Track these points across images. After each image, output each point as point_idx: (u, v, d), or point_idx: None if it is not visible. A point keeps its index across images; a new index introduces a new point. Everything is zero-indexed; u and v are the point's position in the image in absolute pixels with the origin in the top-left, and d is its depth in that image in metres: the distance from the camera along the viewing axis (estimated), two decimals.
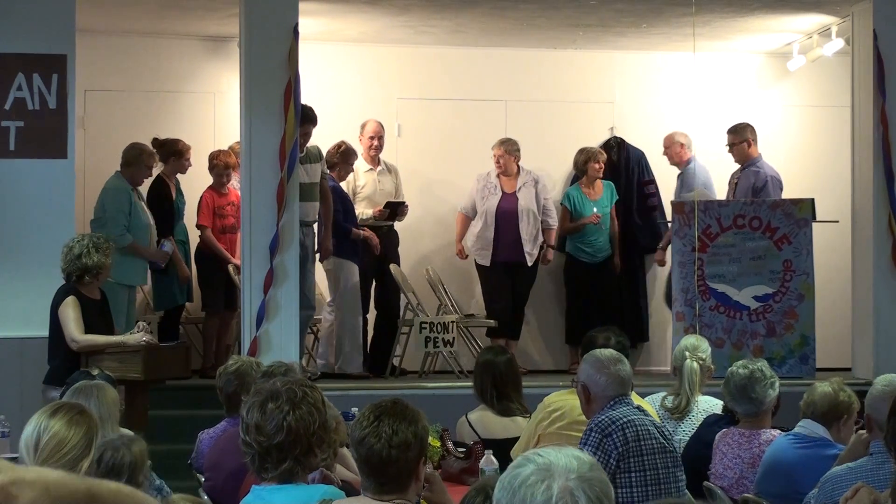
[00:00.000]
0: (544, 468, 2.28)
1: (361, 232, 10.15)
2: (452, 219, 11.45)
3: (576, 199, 10.99)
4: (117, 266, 8.30)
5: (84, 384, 5.38)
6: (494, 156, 10.71)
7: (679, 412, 6.54)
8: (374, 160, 10.61)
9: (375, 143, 10.56)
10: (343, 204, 10.13)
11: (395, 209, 10.48)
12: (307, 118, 9.34)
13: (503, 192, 10.67)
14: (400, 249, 10.74)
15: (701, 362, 6.64)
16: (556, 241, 11.06)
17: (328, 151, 10.20)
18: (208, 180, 10.38)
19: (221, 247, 10.17)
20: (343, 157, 10.23)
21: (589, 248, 10.99)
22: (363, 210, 10.44)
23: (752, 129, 10.71)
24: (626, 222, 11.35)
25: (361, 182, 10.56)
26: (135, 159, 9.36)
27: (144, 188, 10.04)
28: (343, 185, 10.33)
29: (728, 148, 10.73)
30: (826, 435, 5.42)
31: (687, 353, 6.69)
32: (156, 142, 10.12)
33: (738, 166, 10.84)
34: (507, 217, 10.61)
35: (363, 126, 10.63)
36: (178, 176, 10.20)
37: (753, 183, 10.56)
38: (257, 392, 4.03)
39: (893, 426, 4.20)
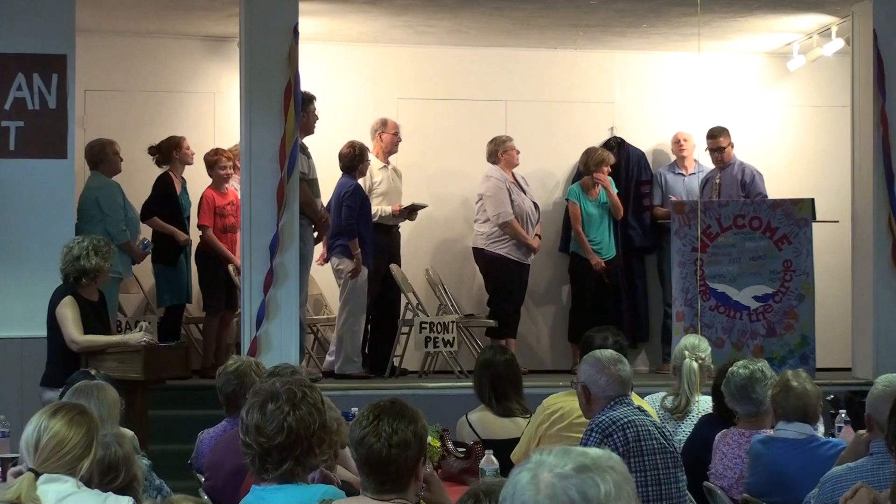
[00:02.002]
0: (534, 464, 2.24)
1: (357, 246, 10.10)
2: (452, 219, 11.46)
3: (580, 196, 10.99)
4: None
5: (85, 384, 5.37)
6: (516, 149, 10.66)
7: (679, 412, 6.55)
8: (387, 158, 10.63)
9: (398, 139, 10.60)
10: (363, 203, 10.13)
11: (415, 210, 10.50)
12: (308, 98, 9.37)
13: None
14: (400, 250, 10.77)
15: (700, 361, 6.64)
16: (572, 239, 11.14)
17: (343, 154, 10.16)
18: (208, 181, 10.39)
19: (223, 246, 10.18)
20: (361, 156, 10.20)
21: (594, 245, 10.98)
22: (381, 207, 10.43)
23: (728, 130, 10.98)
24: (622, 222, 11.34)
25: (378, 179, 10.54)
26: (101, 154, 9.38)
27: (147, 185, 10.08)
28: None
29: (716, 151, 10.84)
30: (813, 431, 5.43)
31: (686, 353, 6.69)
32: (152, 148, 10.18)
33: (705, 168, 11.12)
34: (530, 216, 10.65)
35: (384, 122, 10.62)
36: (185, 175, 10.26)
37: (741, 179, 10.70)
38: (257, 393, 4.03)
39: (894, 427, 4.19)
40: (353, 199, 10.01)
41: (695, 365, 6.61)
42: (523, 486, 2.17)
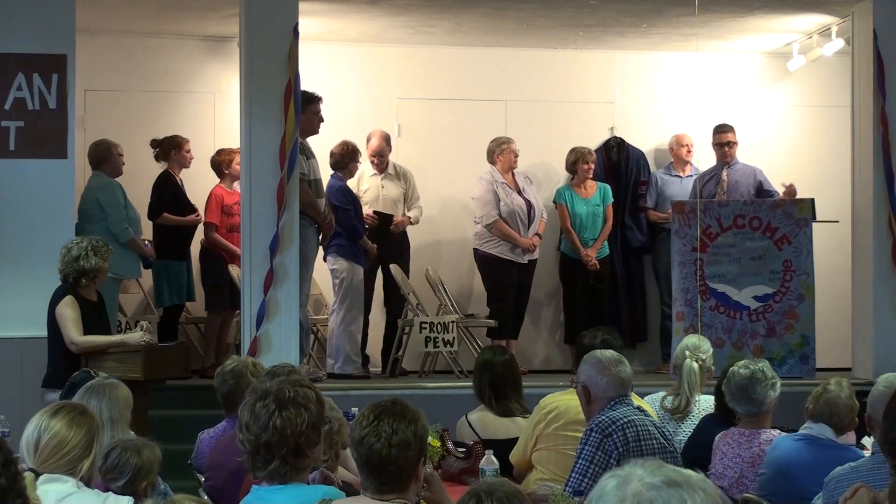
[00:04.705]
0: (623, 476, 2.23)
1: (369, 242, 10.21)
2: (452, 219, 11.46)
3: (567, 198, 11.00)
4: (114, 259, 8.26)
5: (98, 382, 5.34)
6: (514, 151, 10.66)
7: (679, 412, 6.53)
8: (380, 167, 10.68)
9: (376, 160, 10.62)
10: (354, 205, 10.18)
11: (386, 220, 10.53)
12: (311, 99, 9.36)
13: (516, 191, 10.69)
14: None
15: (701, 362, 6.63)
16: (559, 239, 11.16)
17: (333, 152, 10.23)
18: (209, 179, 10.40)
19: (229, 244, 10.16)
20: (352, 155, 10.27)
21: (582, 245, 10.97)
22: (366, 213, 10.49)
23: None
24: (619, 222, 11.34)
25: (364, 186, 10.59)
26: (105, 154, 9.43)
27: (148, 184, 10.10)
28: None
29: (726, 146, 10.84)
30: (833, 437, 5.43)
31: (687, 353, 6.68)
32: (154, 142, 10.21)
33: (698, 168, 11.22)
34: (521, 216, 10.64)
35: (368, 138, 10.64)
36: (182, 175, 10.26)
37: (755, 178, 10.75)
38: (252, 391, 4.06)
39: (886, 428, 4.17)
40: (342, 198, 10.06)
41: (695, 365, 6.60)
42: (610, 490, 2.17)
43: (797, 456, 5.37)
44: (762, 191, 10.74)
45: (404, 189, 10.74)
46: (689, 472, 2.20)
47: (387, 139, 10.65)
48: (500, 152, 10.67)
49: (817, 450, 5.33)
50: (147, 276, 10.28)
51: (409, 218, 10.67)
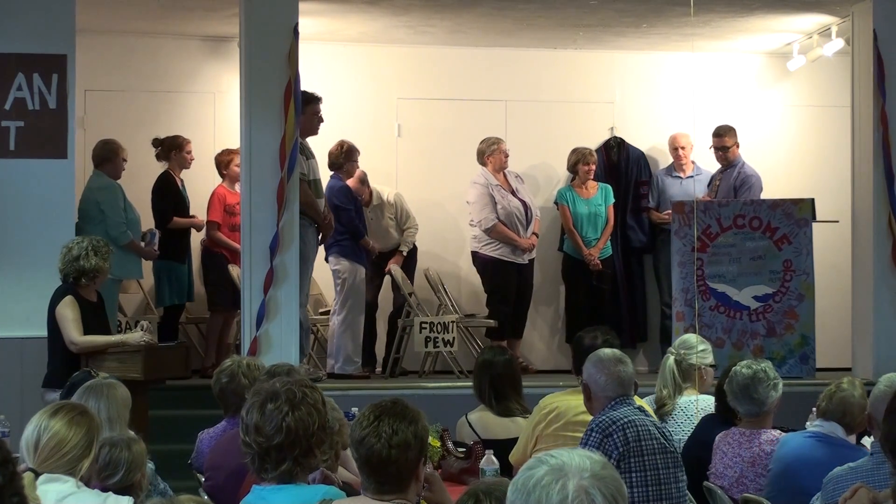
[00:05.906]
0: (557, 468, 2.28)
1: (370, 242, 10.28)
2: (452, 219, 11.45)
3: (569, 199, 11.00)
4: (114, 260, 8.25)
5: (96, 382, 5.34)
6: (504, 151, 10.65)
7: (658, 410, 6.44)
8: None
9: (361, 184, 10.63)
10: (354, 204, 10.19)
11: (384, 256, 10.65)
12: (311, 99, 9.34)
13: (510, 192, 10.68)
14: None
15: (680, 359, 6.58)
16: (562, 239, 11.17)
17: (331, 152, 10.25)
18: (211, 179, 10.41)
19: (231, 242, 10.16)
20: (347, 155, 10.28)
21: (585, 246, 10.97)
22: None
23: (735, 130, 10.92)
24: (620, 222, 11.34)
25: None
26: (112, 154, 9.43)
27: (148, 185, 10.10)
28: None
29: (720, 150, 10.83)
30: (843, 436, 5.43)
31: (672, 351, 6.67)
32: (156, 141, 10.22)
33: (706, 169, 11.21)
34: (518, 216, 10.63)
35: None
36: (183, 175, 10.26)
37: (732, 182, 10.70)
38: (257, 393, 4.03)
39: (888, 428, 4.16)
40: (342, 198, 10.06)
41: (671, 362, 6.57)
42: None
43: (808, 453, 5.36)
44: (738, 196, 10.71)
45: (392, 214, 10.74)
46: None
47: (360, 180, 10.51)
48: (490, 153, 10.67)
49: (828, 448, 5.33)
50: (147, 276, 10.29)
51: (402, 253, 10.68)
